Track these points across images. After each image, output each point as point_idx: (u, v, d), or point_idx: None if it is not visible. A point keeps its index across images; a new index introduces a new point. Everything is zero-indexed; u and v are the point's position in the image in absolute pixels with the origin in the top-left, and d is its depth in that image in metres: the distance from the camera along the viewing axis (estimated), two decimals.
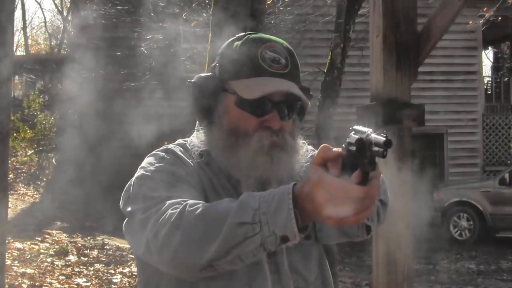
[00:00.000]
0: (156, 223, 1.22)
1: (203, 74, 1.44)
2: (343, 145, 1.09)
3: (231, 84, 1.39)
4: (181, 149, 1.45)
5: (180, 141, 1.51)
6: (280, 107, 1.38)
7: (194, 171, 1.40)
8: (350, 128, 1.09)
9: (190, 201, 1.22)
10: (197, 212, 1.18)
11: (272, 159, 1.36)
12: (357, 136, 1.05)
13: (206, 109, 1.43)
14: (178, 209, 1.20)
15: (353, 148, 1.04)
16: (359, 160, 1.04)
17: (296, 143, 1.43)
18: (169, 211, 1.22)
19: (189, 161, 1.42)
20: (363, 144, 1.03)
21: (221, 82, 1.41)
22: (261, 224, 1.12)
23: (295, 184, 1.13)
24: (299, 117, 1.46)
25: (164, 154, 1.42)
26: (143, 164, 1.41)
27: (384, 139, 1.01)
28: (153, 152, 1.45)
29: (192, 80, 1.45)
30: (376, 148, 1.02)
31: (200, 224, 1.17)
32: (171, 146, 1.47)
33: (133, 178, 1.40)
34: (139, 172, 1.39)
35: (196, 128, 1.49)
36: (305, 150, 1.49)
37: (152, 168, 1.37)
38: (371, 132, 1.04)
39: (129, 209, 1.34)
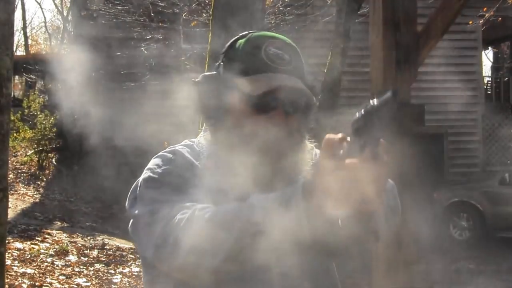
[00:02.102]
0: (165, 229, 1.21)
1: (207, 73, 1.42)
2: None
3: (235, 82, 1.37)
4: (188, 150, 1.43)
5: (187, 141, 1.48)
6: (285, 103, 1.35)
7: (201, 173, 1.37)
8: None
9: (199, 206, 1.21)
10: (206, 216, 1.17)
11: (279, 158, 1.34)
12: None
13: (211, 108, 1.40)
14: (187, 214, 1.19)
15: (360, 114, 1.02)
16: (367, 130, 1.01)
17: (303, 142, 1.41)
18: (178, 216, 1.20)
19: (197, 162, 1.39)
20: (369, 109, 1.01)
21: (225, 81, 1.39)
22: (272, 224, 1.10)
23: (305, 181, 1.11)
24: (305, 116, 1.42)
25: (171, 155, 1.39)
26: (150, 165, 1.38)
27: (389, 92, 0.99)
28: (160, 153, 1.43)
29: (197, 79, 1.43)
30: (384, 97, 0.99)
31: (210, 229, 1.15)
32: (178, 147, 1.44)
33: (139, 179, 1.37)
34: (145, 173, 1.37)
35: (203, 128, 1.47)
36: (314, 154, 1.45)
37: (159, 170, 1.35)
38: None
39: (136, 211, 1.32)
